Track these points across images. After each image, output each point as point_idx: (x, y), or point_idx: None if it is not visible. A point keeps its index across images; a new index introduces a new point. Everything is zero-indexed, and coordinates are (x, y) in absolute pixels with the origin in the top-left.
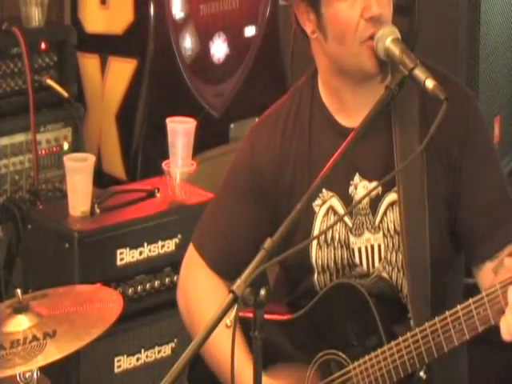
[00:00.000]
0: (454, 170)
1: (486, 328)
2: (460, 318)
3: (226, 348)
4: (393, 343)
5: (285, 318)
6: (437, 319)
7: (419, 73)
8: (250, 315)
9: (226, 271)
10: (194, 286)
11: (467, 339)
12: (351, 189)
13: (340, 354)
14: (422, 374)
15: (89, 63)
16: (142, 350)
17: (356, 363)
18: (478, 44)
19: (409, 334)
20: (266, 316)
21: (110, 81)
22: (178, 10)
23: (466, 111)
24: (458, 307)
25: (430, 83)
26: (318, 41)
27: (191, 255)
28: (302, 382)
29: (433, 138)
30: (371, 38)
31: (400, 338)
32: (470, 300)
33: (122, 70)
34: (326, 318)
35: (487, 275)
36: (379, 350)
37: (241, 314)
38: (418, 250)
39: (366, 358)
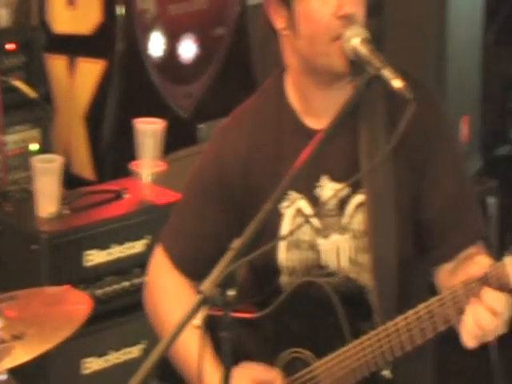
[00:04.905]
0: (418, 171)
1: (448, 327)
2: (422, 316)
3: (192, 348)
4: (357, 342)
5: (250, 316)
6: (400, 318)
7: (387, 73)
8: (215, 313)
9: (194, 272)
10: (161, 288)
11: (430, 337)
12: (318, 190)
13: (305, 352)
14: (386, 372)
15: (57, 64)
16: (112, 352)
17: (321, 362)
18: (445, 45)
19: (372, 333)
20: (233, 314)
21: (78, 82)
22: (146, 11)
23: (431, 113)
24: (421, 306)
25: (397, 83)
26: (288, 38)
27: (158, 256)
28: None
29: (400, 138)
30: (340, 37)
31: (364, 337)
32: (433, 299)
33: (90, 70)
34: (291, 317)
35: (444, 276)
36: (344, 349)
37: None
38: (385, 251)
39: (331, 356)
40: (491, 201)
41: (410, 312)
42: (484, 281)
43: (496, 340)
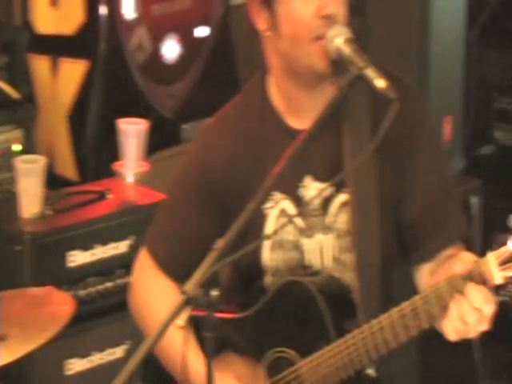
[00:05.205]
0: (400, 170)
1: (432, 324)
2: (406, 314)
3: (177, 349)
4: (341, 340)
5: (235, 316)
6: (384, 316)
7: (370, 72)
8: (201, 314)
9: (180, 274)
10: (146, 290)
11: (414, 335)
12: (303, 191)
13: (290, 351)
14: (371, 371)
15: (40, 64)
16: (95, 352)
17: (305, 361)
18: (428, 45)
19: (357, 331)
20: (217, 315)
21: (62, 82)
22: (129, 11)
23: (414, 113)
24: (405, 304)
25: (380, 83)
26: (270, 39)
27: (143, 259)
28: (252, 379)
29: (383, 138)
30: (323, 37)
31: (348, 335)
32: (417, 296)
33: (73, 70)
34: (275, 316)
35: (424, 276)
36: (328, 348)
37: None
38: (368, 251)
39: (316, 355)
40: (474, 200)
41: (394, 310)
42: (468, 277)
43: (479, 339)
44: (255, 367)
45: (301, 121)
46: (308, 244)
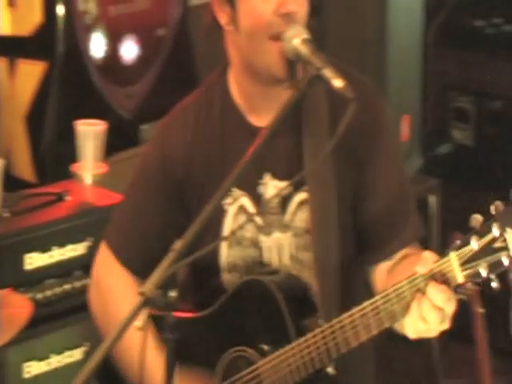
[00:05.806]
0: (358, 170)
1: (393, 324)
2: (367, 313)
3: (137, 350)
4: (301, 339)
5: (193, 315)
6: (345, 315)
7: (327, 72)
8: (162, 314)
9: (140, 269)
10: (108, 286)
11: (374, 334)
12: (261, 188)
13: (249, 350)
14: (329, 369)
15: None
16: (54, 355)
17: (265, 360)
18: (386, 44)
19: (317, 330)
20: (176, 314)
21: (19, 83)
22: (87, 12)
23: (372, 112)
24: (366, 303)
25: (337, 83)
26: (231, 33)
27: (103, 255)
28: (211, 379)
29: (341, 137)
30: (281, 35)
31: (309, 334)
32: (378, 295)
33: (30, 72)
34: (235, 315)
35: (381, 275)
36: (288, 346)
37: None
38: (327, 249)
39: (275, 354)
40: (432, 199)
41: (356, 309)
42: (429, 276)
43: (439, 338)
44: (213, 370)
45: (261, 119)
46: (266, 241)
